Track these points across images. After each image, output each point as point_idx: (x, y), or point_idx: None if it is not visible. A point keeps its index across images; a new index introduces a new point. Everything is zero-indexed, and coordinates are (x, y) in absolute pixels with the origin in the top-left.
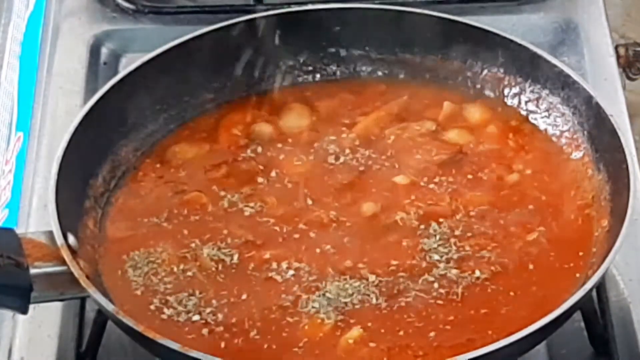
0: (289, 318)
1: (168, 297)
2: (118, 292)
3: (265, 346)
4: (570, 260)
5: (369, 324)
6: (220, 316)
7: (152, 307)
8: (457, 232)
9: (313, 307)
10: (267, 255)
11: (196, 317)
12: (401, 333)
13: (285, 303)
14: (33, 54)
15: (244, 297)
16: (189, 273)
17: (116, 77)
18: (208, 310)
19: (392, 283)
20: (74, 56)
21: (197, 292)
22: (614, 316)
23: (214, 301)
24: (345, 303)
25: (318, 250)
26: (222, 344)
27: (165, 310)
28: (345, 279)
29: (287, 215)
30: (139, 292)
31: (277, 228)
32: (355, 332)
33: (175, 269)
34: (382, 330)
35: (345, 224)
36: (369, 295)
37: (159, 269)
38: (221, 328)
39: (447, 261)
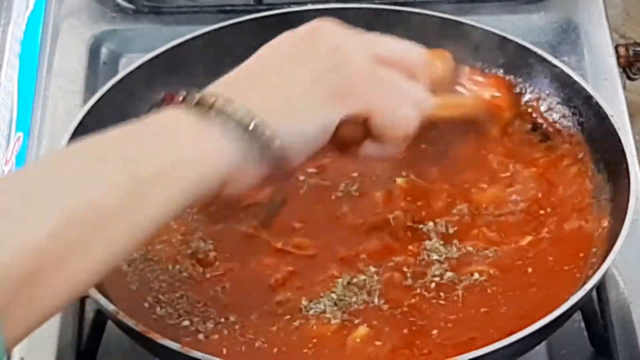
0: (295, 322)
1: (161, 296)
2: (116, 290)
3: (275, 350)
4: (570, 261)
5: (374, 322)
6: (219, 318)
7: (145, 304)
8: (456, 232)
9: (318, 308)
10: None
11: (186, 323)
12: (405, 331)
13: (288, 304)
14: (33, 54)
15: (245, 300)
16: (185, 274)
17: (116, 77)
18: (204, 311)
19: (392, 282)
20: (74, 56)
21: (191, 294)
22: (614, 316)
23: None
24: (350, 303)
25: (317, 250)
26: (224, 350)
27: (158, 309)
28: (346, 278)
29: (287, 212)
30: (134, 288)
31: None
32: (362, 330)
33: (170, 268)
34: (387, 329)
35: (344, 222)
36: (371, 294)
37: (155, 267)
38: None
39: (447, 261)
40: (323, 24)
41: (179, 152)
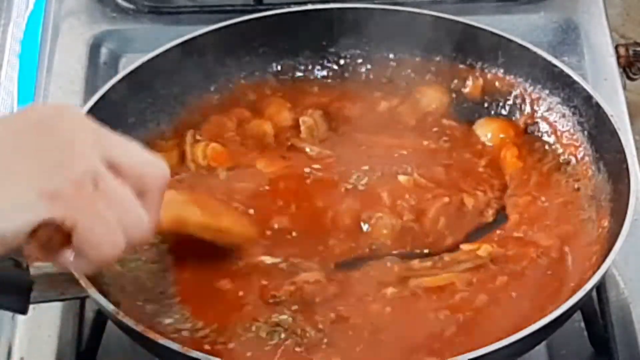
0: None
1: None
2: (113, 289)
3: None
4: (570, 263)
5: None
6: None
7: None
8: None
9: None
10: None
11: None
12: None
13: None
14: (33, 54)
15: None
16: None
17: (116, 77)
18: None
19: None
20: (74, 56)
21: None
22: (614, 316)
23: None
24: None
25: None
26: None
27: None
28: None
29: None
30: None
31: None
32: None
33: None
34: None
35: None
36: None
37: (143, 267)
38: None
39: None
40: (67, 111)
41: None
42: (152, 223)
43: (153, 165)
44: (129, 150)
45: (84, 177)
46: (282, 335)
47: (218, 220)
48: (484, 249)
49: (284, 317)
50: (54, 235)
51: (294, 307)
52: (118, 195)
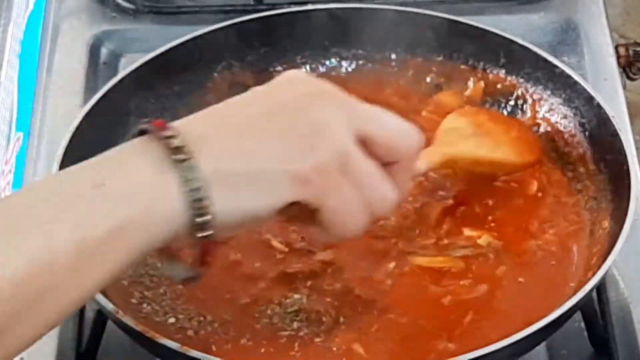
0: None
1: (146, 293)
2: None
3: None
4: (570, 261)
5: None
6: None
7: (133, 300)
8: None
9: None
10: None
11: (172, 320)
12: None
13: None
14: (33, 54)
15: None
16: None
17: (116, 77)
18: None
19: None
20: (74, 56)
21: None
22: (614, 316)
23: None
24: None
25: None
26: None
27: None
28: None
29: None
30: (125, 282)
31: None
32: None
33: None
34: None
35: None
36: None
37: (148, 261)
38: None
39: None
40: (325, 89)
41: (130, 211)
42: (399, 195)
43: (405, 136)
44: (383, 123)
45: (333, 160)
46: (296, 325)
47: (492, 154)
48: (485, 239)
49: (297, 296)
50: (299, 210)
51: (309, 283)
52: (365, 173)
